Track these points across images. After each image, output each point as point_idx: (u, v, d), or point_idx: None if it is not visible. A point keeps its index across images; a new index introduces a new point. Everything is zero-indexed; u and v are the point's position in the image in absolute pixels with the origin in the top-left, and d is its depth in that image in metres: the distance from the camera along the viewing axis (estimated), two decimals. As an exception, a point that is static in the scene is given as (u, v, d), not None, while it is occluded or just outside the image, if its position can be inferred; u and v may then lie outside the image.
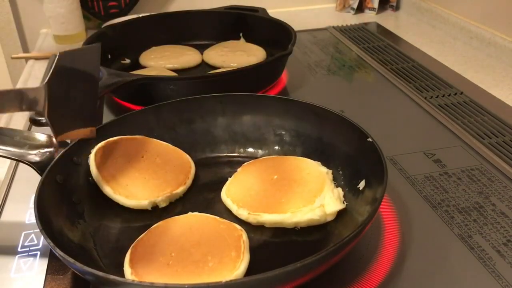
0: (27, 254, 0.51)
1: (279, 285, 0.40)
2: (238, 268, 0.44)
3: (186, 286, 0.38)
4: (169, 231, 0.49)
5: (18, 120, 0.80)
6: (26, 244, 0.52)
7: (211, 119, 0.65)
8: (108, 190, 0.55)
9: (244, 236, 0.49)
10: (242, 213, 0.53)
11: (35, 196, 0.46)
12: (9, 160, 0.64)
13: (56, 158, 0.52)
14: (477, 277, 0.47)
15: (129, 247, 0.48)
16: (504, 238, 0.51)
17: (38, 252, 0.51)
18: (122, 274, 0.45)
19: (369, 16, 1.27)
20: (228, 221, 0.51)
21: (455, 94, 0.82)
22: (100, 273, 0.39)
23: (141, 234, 0.50)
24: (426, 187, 0.59)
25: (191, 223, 0.50)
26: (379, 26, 1.18)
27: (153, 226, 0.51)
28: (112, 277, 0.38)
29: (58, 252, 0.40)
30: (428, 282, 0.47)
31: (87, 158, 0.56)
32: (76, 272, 0.42)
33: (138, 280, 0.43)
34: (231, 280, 0.39)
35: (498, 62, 0.96)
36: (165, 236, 0.49)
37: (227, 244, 0.47)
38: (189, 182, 0.58)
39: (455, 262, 0.49)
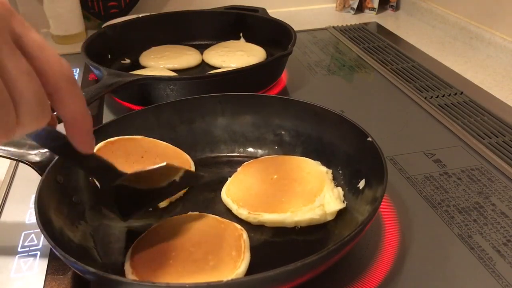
0: (27, 254, 0.51)
1: (281, 284, 0.40)
2: (239, 267, 0.44)
3: (187, 285, 0.37)
4: (169, 231, 0.49)
5: (18, 120, 0.80)
6: (26, 244, 0.52)
7: (210, 119, 0.65)
8: None
9: (245, 235, 0.49)
10: (242, 213, 0.53)
11: (35, 196, 0.46)
12: (9, 160, 0.64)
13: (56, 158, 0.52)
14: (477, 277, 0.47)
15: (130, 247, 0.48)
16: (504, 238, 0.51)
17: (38, 252, 0.51)
18: (123, 274, 0.45)
19: (369, 16, 1.27)
20: (228, 220, 0.51)
21: (455, 94, 0.82)
22: (102, 273, 0.39)
23: (141, 234, 0.50)
24: (426, 187, 0.60)
25: (192, 223, 0.50)
26: (379, 26, 1.18)
27: (153, 226, 0.51)
28: (113, 276, 0.38)
29: (60, 252, 0.40)
30: (428, 282, 0.47)
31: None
32: (78, 272, 0.42)
33: (139, 279, 0.43)
34: (232, 280, 0.39)
35: (498, 62, 0.96)
36: (166, 235, 0.49)
37: (227, 243, 0.47)
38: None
39: (455, 262, 0.49)
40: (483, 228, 0.53)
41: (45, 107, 0.32)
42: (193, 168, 0.60)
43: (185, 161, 0.61)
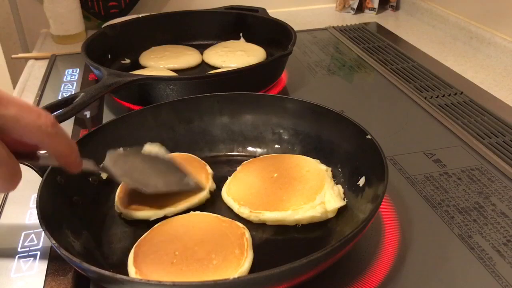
0: (27, 254, 0.51)
1: (285, 281, 0.40)
2: (242, 265, 0.44)
3: (193, 283, 0.37)
4: (172, 230, 0.49)
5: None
6: (26, 244, 0.52)
7: (209, 118, 0.65)
8: (148, 213, 0.53)
9: (247, 233, 0.49)
10: (244, 212, 0.53)
11: (36, 197, 0.46)
12: (9, 160, 0.64)
13: (57, 158, 0.52)
14: (477, 277, 0.47)
15: (132, 247, 0.48)
16: (504, 238, 0.51)
17: (38, 253, 0.51)
18: (126, 274, 0.45)
19: (369, 16, 1.27)
20: (230, 219, 0.51)
21: (455, 94, 0.82)
22: (107, 273, 0.38)
23: (143, 234, 0.50)
24: (426, 187, 0.59)
25: (194, 222, 0.50)
26: (379, 26, 1.18)
27: (155, 225, 0.51)
28: (119, 276, 0.38)
29: (63, 253, 0.40)
30: (428, 282, 0.47)
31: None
32: (81, 272, 0.42)
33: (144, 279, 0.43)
34: (238, 277, 0.39)
35: (498, 62, 0.96)
36: (168, 235, 0.49)
37: (230, 242, 0.47)
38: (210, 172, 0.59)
39: (455, 262, 0.49)
40: (483, 228, 0.53)
41: (13, 169, 0.39)
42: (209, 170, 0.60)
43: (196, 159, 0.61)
